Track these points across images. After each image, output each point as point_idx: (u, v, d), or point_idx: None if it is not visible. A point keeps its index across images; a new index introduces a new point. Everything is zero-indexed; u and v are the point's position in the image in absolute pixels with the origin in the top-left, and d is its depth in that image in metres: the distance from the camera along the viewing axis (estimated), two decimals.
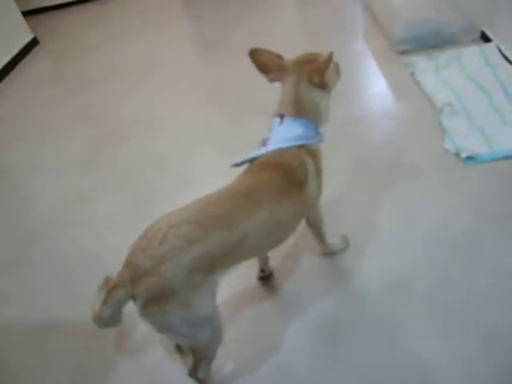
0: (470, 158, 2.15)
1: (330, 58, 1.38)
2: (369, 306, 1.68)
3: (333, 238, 1.84)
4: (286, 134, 1.43)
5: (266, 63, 1.49)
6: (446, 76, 2.66)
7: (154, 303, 1.14)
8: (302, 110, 1.44)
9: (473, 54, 2.77)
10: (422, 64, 2.81)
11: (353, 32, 3.53)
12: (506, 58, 2.65)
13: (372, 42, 3.28)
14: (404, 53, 2.98)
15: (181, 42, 4.10)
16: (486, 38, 2.92)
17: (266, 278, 1.85)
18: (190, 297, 1.17)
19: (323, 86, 1.45)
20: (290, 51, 3.54)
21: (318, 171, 1.49)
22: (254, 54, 1.48)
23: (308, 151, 1.45)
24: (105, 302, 1.17)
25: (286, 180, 1.37)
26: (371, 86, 2.92)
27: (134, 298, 1.16)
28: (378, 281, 1.75)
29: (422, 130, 2.41)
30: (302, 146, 1.43)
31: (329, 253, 1.86)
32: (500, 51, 2.71)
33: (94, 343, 1.76)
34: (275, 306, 1.76)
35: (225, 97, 3.09)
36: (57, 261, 2.18)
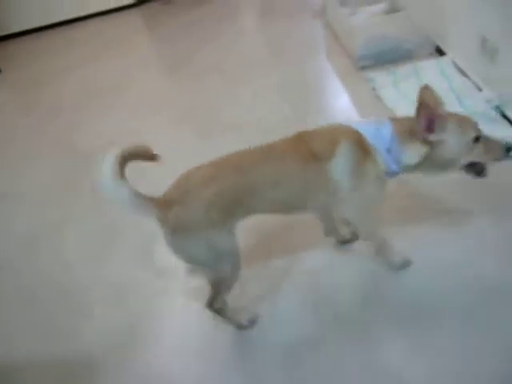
0: None
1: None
2: (345, 320, 1.70)
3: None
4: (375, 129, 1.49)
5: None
6: (405, 89, 2.75)
7: (181, 230, 1.37)
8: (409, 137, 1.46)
9: (429, 67, 2.88)
10: (382, 79, 2.90)
11: (315, 50, 3.62)
12: (460, 71, 2.77)
13: (334, 59, 3.37)
14: (365, 69, 3.08)
15: (148, 64, 4.11)
16: (440, 52, 3.04)
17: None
18: (209, 230, 1.39)
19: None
20: (255, 70, 3.59)
21: (361, 172, 1.47)
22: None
23: (360, 142, 1.45)
24: (137, 195, 1.35)
25: (303, 146, 1.47)
26: (336, 102, 2.99)
27: (164, 223, 1.39)
28: (357, 293, 1.78)
29: None
30: (356, 133, 1.47)
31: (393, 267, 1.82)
32: (454, 64, 2.83)
33: (68, 381, 1.72)
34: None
35: (194, 115, 3.11)
36: (24, 295, 2.11)
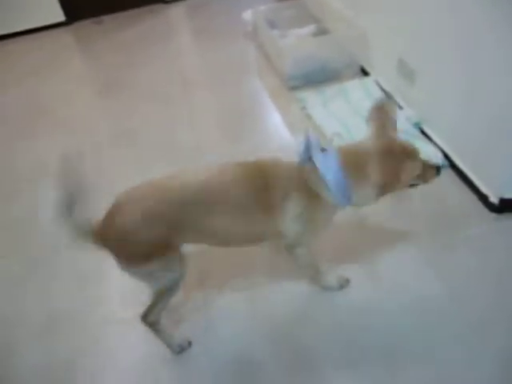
0: None
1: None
2: (285, 345, 1.71)
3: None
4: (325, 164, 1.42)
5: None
6: (333, 108, 2.87)
7: (119, 261, 1.44)
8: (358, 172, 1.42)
9: (355, 87, 3.03)
10: (312, 98, 3.00)
11: (248, 70, 3.69)
12: (383, 90, 2.93)
13: (266, 80, 3.45)
14: (295, 88, 3.17)
15: (78, 85, 3.98)
16: (365, 72, 3.21)
17: None
18: (145, 263, 1.42)
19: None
20: (190, 91, 3.58)
21: (311, 214, 1.50)
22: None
23: (309, 187, 1.45)
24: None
25: (253, 190, 1.44)
26: (267, 122, 3.05)
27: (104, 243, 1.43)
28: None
29: None
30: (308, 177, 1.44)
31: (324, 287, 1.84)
32: (377, 84, 2.99)
33: None
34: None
35: (129, 138, 3.04)
36: None
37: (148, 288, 1.55)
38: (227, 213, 1.45)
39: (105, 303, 1.97)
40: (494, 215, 2.05)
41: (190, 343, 1.73)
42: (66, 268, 2.15)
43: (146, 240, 1.39)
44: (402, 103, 2.75)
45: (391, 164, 1.37)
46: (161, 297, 1.56)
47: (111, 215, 1.41)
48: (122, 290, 1.98)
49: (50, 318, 1.93)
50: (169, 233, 1.41)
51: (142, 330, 1.62)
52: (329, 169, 1.41)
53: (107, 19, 5.24)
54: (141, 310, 1.59)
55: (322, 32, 3.56)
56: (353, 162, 1.43)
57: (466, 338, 1.62)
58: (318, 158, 1.43)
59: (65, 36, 5.10)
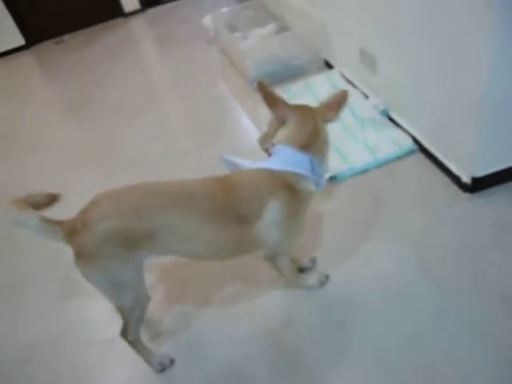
0: (332, 177, 2.29)
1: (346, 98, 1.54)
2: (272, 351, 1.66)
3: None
4: (281, 158, 1.44)
5: (273, 96, 1.54)
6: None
7: (81, 257, 1.37)
8: (311, 144, 1.45)
9: (320, 81, 3.01)
10: None
11: (213, 76, 3.65)
12: (348, 81, 2.92)
13: (232, 83, 3.42)
14: None
15: (45, 107, 3.91)
16: (329, 66, 3.19)
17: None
18: (106, 262, 1.38)
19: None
20: (155, 102, 3.52)
21: (293, 217, 1.46)
22: (261, 86, 1.54)
23: (288, 185, 1.42)
24: (45, 220, 1.37)
25: (221, 201, 1.41)
26: (237, 124, 3.01)
27: (71, 247, 1.39)
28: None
29: None
30: (282, 177, 1.41)
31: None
32: (342, 76, 2.98)
33: None
34: None
35: (96, 155, 3.00)
36: None
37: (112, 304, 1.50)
38: (200, 223, 1.40)
39: (79, 327, 1.90)
40: (467, 195, 2.03)
41: (172, 360, 1.67)
42: (32, 296, 2.08)
43: (116, 236, 1.35)
44: (367, 92, 2.74)
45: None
46: (127, 315, 1.50)
47: (88, 208, 1.40)
48: (93, 314, 1.92)
49: (25, 348, 1.86)
50: (139, 236, 1.38)
51: (119, 350, 1.56)
52: (291, 160, 1.43)
53: (68, 38, 5.18)
54: (115, 330, 1.53)
55: (282, 30, 3.55)
56: (302, 141, 1.45)
57: (446, 316, 1.60)
58: (288, 161, 1.43)
59: (26, 59, 5.02)
